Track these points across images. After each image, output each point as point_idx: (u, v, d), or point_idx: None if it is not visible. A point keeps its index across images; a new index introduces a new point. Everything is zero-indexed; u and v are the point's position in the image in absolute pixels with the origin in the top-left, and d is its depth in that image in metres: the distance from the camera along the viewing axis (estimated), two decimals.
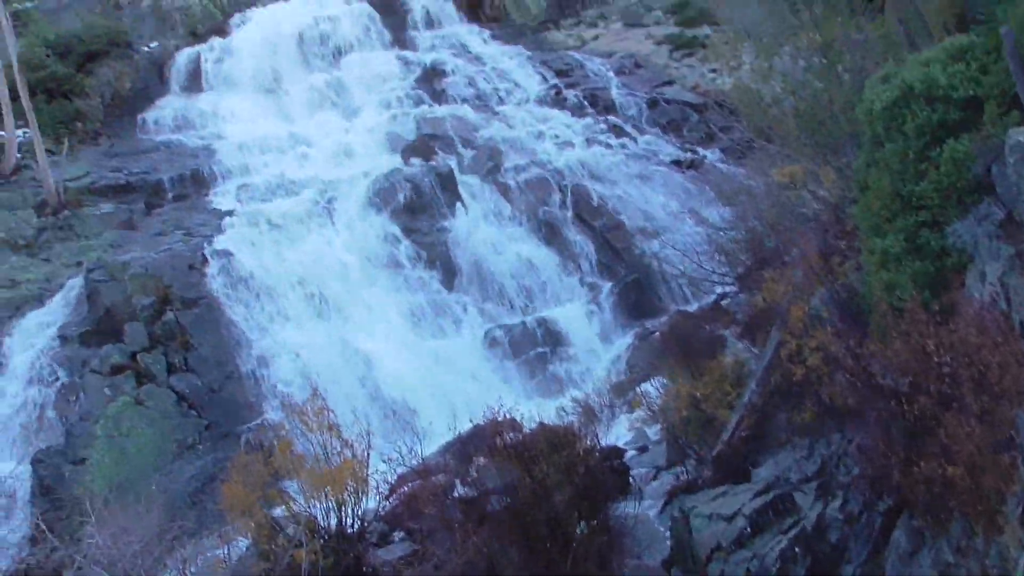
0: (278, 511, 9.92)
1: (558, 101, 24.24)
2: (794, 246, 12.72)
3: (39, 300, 18.60)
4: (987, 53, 7.90)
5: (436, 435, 11.20)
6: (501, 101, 24.96)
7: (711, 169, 20.07)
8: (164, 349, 16.35)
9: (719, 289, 15.46)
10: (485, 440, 10.38)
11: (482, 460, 10.25)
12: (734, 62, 18.62)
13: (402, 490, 10.42)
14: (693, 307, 15.87)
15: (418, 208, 19.15)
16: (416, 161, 20.89)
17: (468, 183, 20.21)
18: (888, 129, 8.33)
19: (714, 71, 24.87)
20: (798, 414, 9.51)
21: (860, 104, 9.03)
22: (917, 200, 8.01)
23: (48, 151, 22.61)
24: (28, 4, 27.63)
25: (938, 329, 7.24)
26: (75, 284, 18.18)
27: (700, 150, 21.14)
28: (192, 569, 8.74)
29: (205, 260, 17.72)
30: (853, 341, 8.56)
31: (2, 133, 23.88)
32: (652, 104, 23.38)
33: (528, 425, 10.77)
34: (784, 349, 9.98)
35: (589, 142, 21.73)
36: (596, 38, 29.06)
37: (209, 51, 28.27)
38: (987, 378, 6.62)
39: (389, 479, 10.36)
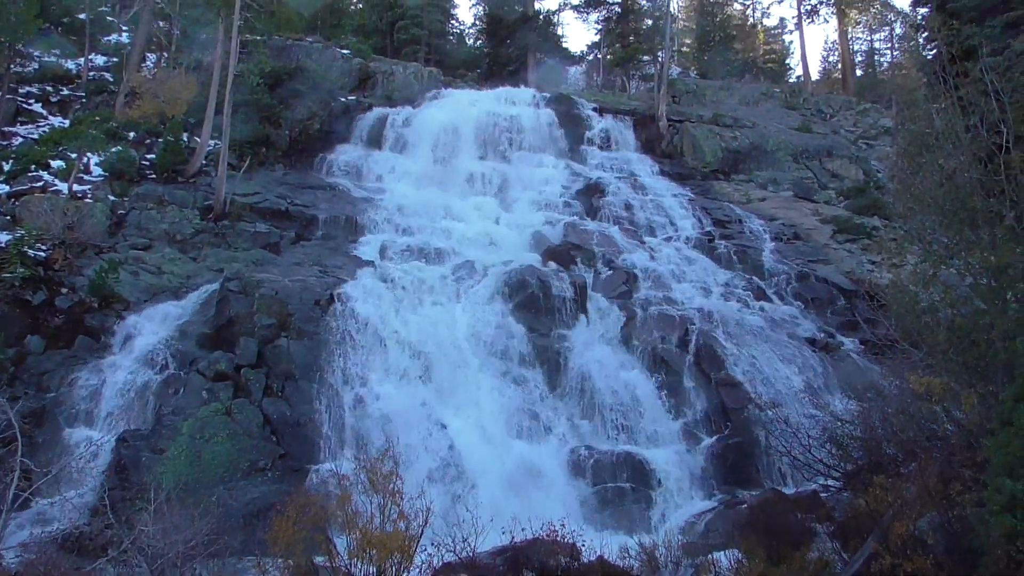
0: (319, 559, 9.83)
1: (708, 248, 24.13)
2: (914, 460, 11.93)
3: (175, 293, 19.90)
4: None
5: (491, 534, 10.87)
6: (651, 233, 25.14)
7: (845, 358, 19.23)
8: (267, 371, 16.93)
9: (821, 480, 14.58)
10: (539, 556, 10.03)
11: None
12: (897, 259, 18.06)
13: None
14: (790, 490, 14.96)
15: (543, 309, 19.29)
16: (554, 265, 21.18)
17: (597, 300, 20.28)
18: None
19: (874, 263, 24.25)
20: None
21: None
22: None
23: (229, 165, 24.54)
24: (259, 37, 30.36)
25: None
26: (211, 288, 19.30)
27: (839, 336, 20.35)
28: None
29: (331, 300, 18.38)
30: None
31: (197, 139, 26.16)
32: (802, 277, 22.84)
33: (586, 555, 10.34)
34: (876, 563, 9.30)
35: (728, 295, 21.39)
36: (763, 200, 29.02)
37: (397, 115, 30.33)
38: None
39: (434, 562, 10.11)
